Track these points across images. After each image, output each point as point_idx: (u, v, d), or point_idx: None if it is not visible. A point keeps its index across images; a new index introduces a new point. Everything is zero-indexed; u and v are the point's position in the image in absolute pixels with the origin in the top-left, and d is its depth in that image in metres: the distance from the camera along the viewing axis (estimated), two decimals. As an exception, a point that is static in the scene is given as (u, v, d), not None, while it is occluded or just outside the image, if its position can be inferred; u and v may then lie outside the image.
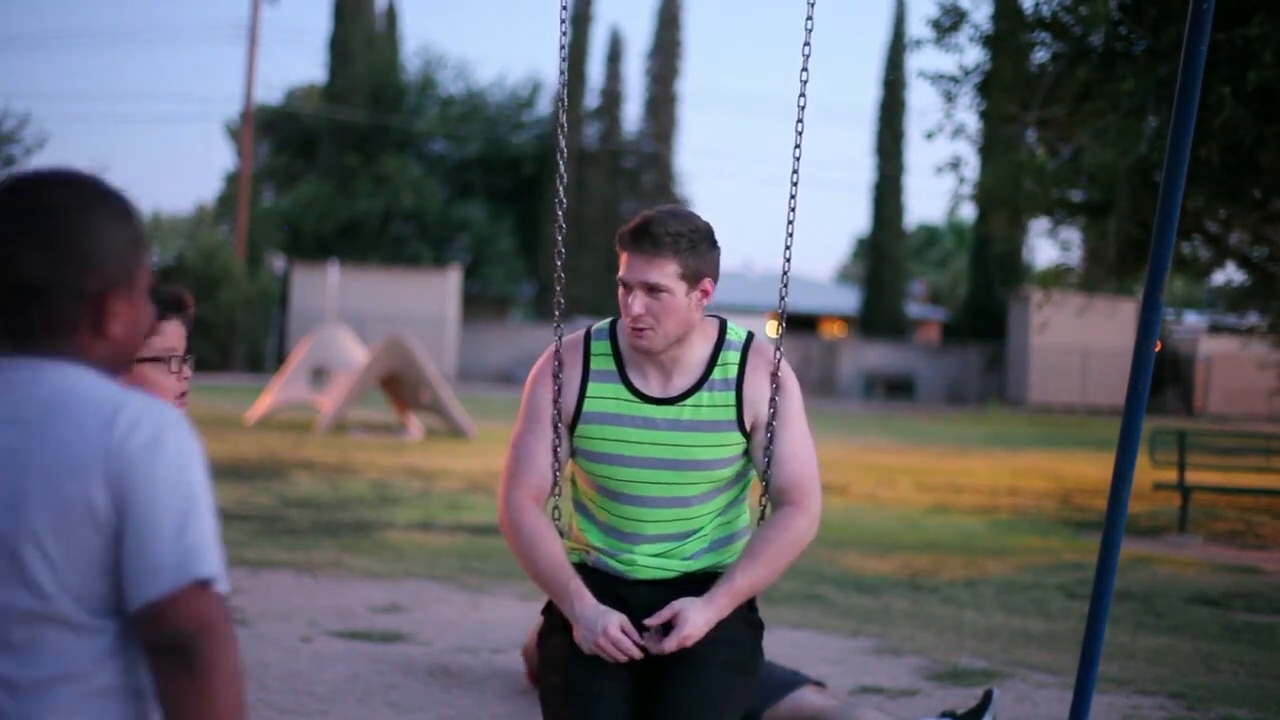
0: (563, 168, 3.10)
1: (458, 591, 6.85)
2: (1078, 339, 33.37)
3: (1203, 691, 5.34)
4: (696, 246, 2.87)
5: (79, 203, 1.58)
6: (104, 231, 1.59)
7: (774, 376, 2.96)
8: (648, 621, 2.83)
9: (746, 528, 3.09)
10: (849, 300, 48.02)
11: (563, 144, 3.08)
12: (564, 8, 3.14)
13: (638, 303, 2.85)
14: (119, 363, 1.64)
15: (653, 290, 2.85)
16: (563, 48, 3.12)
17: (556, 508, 3.05)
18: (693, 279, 2.86)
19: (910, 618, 6.76)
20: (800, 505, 2.94)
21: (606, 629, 2.79)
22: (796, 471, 2.95)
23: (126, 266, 1.61)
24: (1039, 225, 16.35)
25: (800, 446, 2.97)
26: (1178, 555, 9.37)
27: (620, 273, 2.91)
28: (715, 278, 2.93)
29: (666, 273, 2.84)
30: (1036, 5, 12.39)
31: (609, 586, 2.94)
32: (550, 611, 3.01)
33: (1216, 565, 8.95)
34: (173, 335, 2.50)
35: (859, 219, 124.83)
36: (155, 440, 1.53)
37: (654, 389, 2.95)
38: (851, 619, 6.60)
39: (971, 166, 14.34)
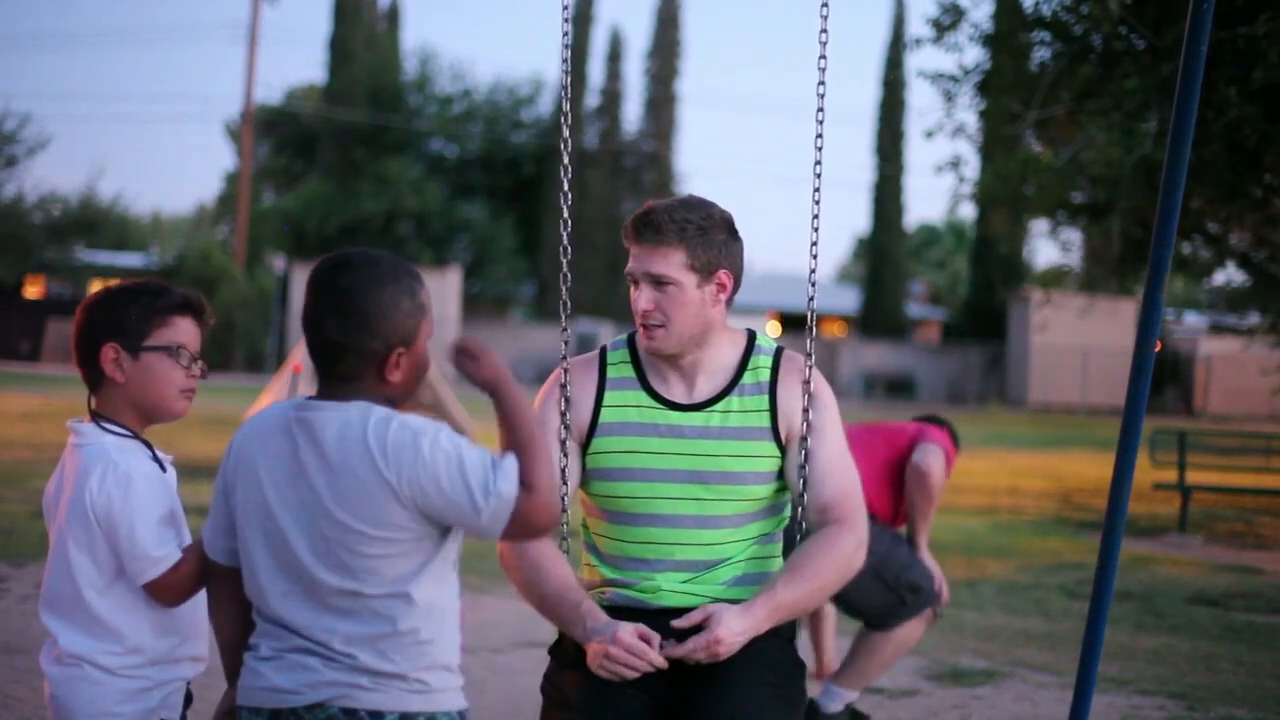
0: (567, 167, 2.90)
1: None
2: (1078, 339, 33.36)
3: (1203, 691, 5.34)
4: (708, 235, 2.63)
5: (369, 284, 2.11)
6: (386, 306, 2.11)
7: (806, 385, 2.71)
8: (675, 623, 2.53)
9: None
10: (849, 300, 48.02)
11: (566, 132, 2.88)
12: (565, 6, 2.88)
13: (644, 297, 2.63)
14: (400, 400, 2.17)
15: (659, 283, 2.62)
16: (566, 47, 2.89)
17: (564, 539, 2.79)
18: (704, 271, 2.63)
19: (910, 618, 6.76)
20: (846, 523, 2.65)
21: (618, 634, 2.48)
22: (840, 487, 2.68)
23: (405, 331, 2.13)
24: (1039, 225, 16.35)
25: (841, 461, 2.70)
26: (1178, 555, 9.38)
27: (627, 267, 2.69)
28: (735, 271, 2.68)
29: (672, 263, 2.61)
30: (1036, 4, 12.38)
31: (630, 621, 2.57)
32: (558, 650, 2.71)
33: (1216, 565, 8.95)
34: (184, 332, 2.52)
35: (859, 219, 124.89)
36: (402, 426, 2.06)
37: (678, 395, 2.70)
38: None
39: (972, 166, 14.33)
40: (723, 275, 2.66)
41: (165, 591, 2.40)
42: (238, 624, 2.26)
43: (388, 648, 2.10)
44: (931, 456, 4.69)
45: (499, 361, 2.14)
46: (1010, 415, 31.00)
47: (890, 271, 41.92)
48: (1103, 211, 12.77)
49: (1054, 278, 17.36)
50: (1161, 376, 32.90)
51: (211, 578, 2.30)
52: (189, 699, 2.54)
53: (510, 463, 2.05)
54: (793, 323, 42.97)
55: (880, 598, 4.59)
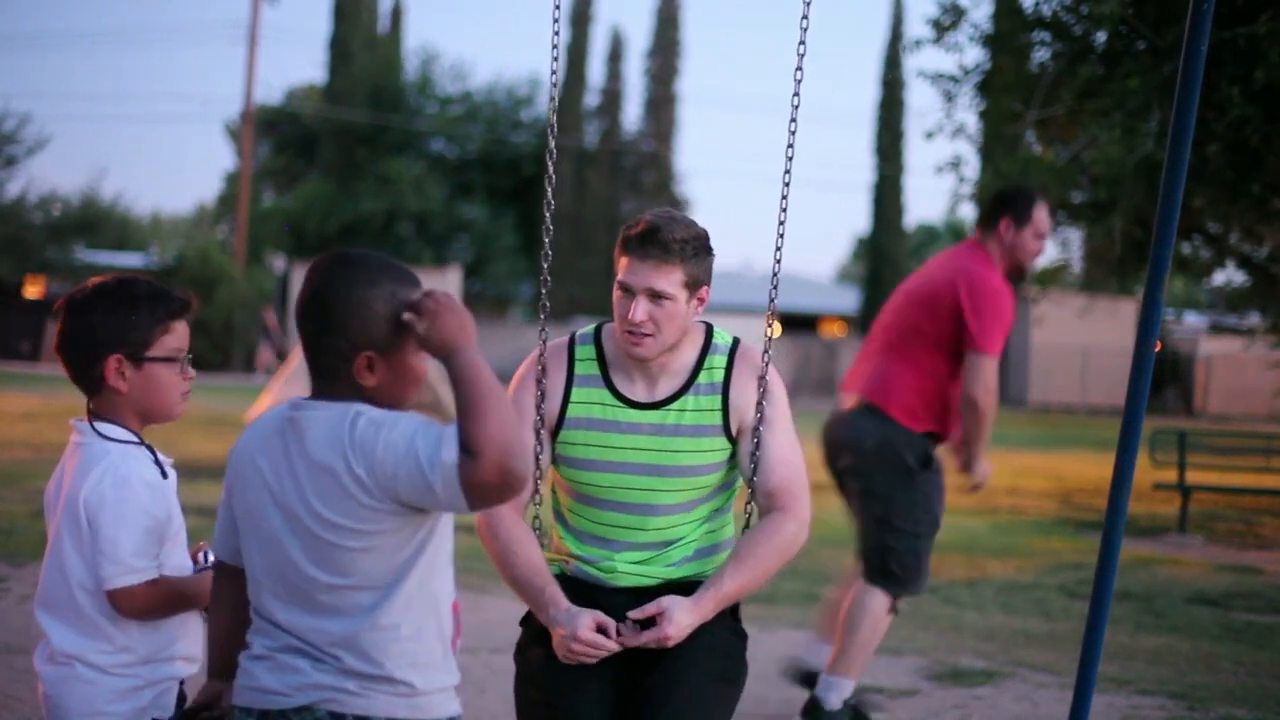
0: (551, 176, 3.04)
1: (457, 591, 6.83)
2: (1078, 339, 33.34)
3: (1203, 691, 5.34)
4: (699, 254, 2.84)
5: (339, 283, 2.11)
6: (355, 307, 2.10)
7: (761, 381, 2.91)
8: (631, 614, 2.77)
9: (732, 538, 3.02)
10: (849, 300, 48.00)
11: (553, 143, 3.03)
12: (556, 6, 3.03)
13: (640, 309, 2.80)
14: (387, 405, 2.13)
15: (657, 297, 2.80)
16: (554, 46, 3.03)
17: (537, 517, 2.99)
18: (694, 287, 2.84)
19: (910, 618, 6.76)
20: (790, 510, 2.88)
21: (577, 632, 2.71)
22: (785, 476, 2.90)
23: (374, 335, 2.10)
24: (1039, 225, 16.29)
25: (788, 451, 2.92)
26: (1178, 555, 9.37)
27: (621, 276, 2.85)
28: (710, 285, 2.90)
29: (673, 280, 2.80)
30: (1036, 4, 12.37)
31: (589, 595, 2.86)
32: (528, 623, 2.94)
33: (1216, 565, 8.95)
34: (182, 336, 2.52)
35: (859, 219, 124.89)
36: (369, 421, 2.07)
37: (639, 394, 2.90)
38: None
39: (972, 166, 14.31)
40: (704, 291, 2.89)
41: (130, 600, 2.40)
42: (231, 620, 2.29)
43: (370, 645, 2.10)
44: (977, 382, 4.48)
45: (458, 324, 2.07)
46: (1010, 415, 30.97)
47: (890, 271, 41.87)
48: (1104, 211, 12.75)
49: (1050, 275, 17.31)
50: (1161, 376, 32.87)
51: (217, 575, 2.34)
52: (183, 700, 2.54)
53: (450, 430, 2.02)
54: (792, 322, 42.98)
55: (869, 539, 4.56)
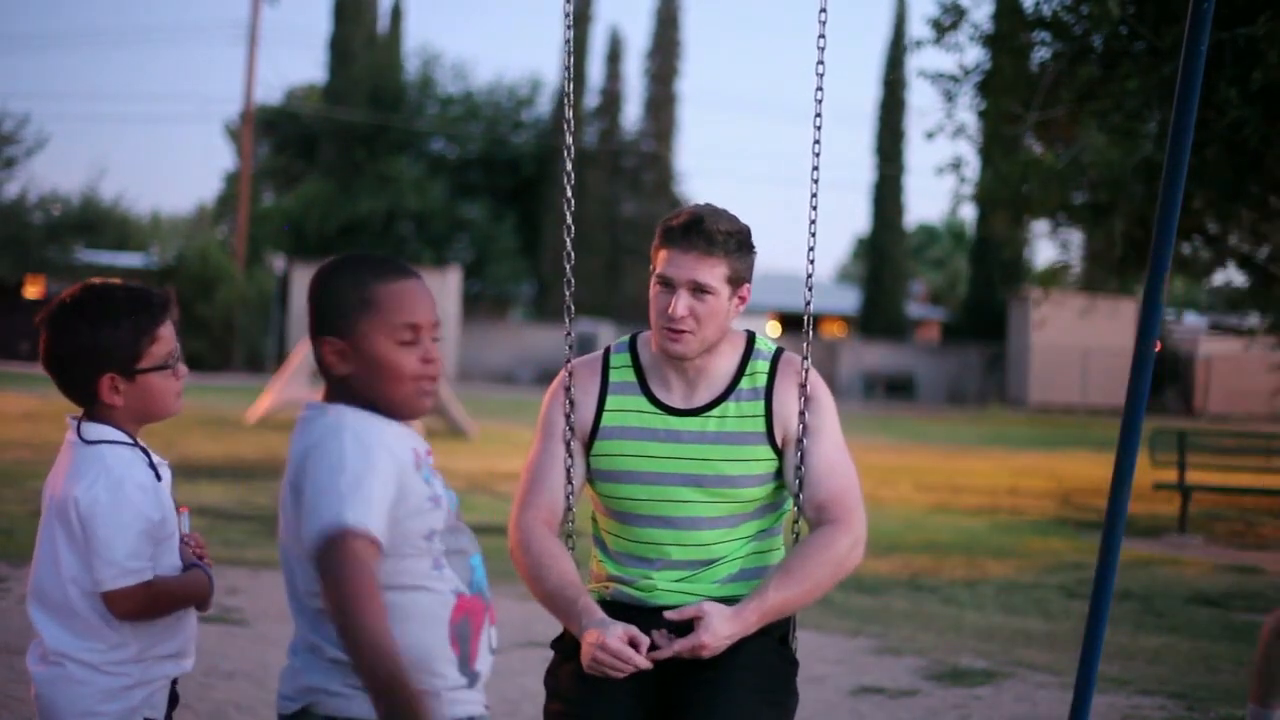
0: (569, 173, 2.93)
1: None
2: (1078, 339, 33.35)
3: (1203, 691, 5.34)
4: (742, 249, 2.72)
5: (315, 280, 2.10)
6: (319, 301, 2.07)
7: (802, 389, 2.77)
8: (669, 614, 2.61)
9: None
10: (849, 300, 48.00)
11: (569, 138, 2.91)
12: (567, 3, 2.90)
13: (681, 303, 2.67)
14: (366, 399, 2.09)
15: (699, 291, 2.68)
16: (567, 40, 2.91)
17: (571, 536, 2.85)
18: (736, 283, 2.72)
19: (910, 618, 6.77)
20: (842, 523, 2.71)
21: (605, 640, 2.52)
22: (837, 488, 2.74)
23: (338, 326, 2.05)
24: (1040, 226, 16.30)
25: (838, 461, 2.77)
26: (1178, 555, 9.37)
27: (661, 269, 2.71)
28: (751, 283, 2.79)
29: (716, 274, 2.68)
30: (1037, 4, 12.37)
31: (628, 617, 2.64)
32: (560, 644, 2.77)
33: (1216, 565, 8.95)
34: (169, 339, 2.51)
35: (859, 219, 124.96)
36: (322, 433, 2.02)
37: (677, 400, 2.77)
38: (851, 619, 6.60)
39: (972, 166, 14.31)
40: (745, 288, 2.76)
41: (125, 602, 2.39)
42: None
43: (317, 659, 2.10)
44: None
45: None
46: (1010, 415, 30.98)
47: (890, 271, 41.91)
48: (1104, 213, 12.75)
49: (1051, 276, 17.31)
50: (1161, 376, 32.89)
51: None
52: (175, 700, 2.54)
53: (341, 504, 1.94)
54: (793, 323, 42.91)
55: None
